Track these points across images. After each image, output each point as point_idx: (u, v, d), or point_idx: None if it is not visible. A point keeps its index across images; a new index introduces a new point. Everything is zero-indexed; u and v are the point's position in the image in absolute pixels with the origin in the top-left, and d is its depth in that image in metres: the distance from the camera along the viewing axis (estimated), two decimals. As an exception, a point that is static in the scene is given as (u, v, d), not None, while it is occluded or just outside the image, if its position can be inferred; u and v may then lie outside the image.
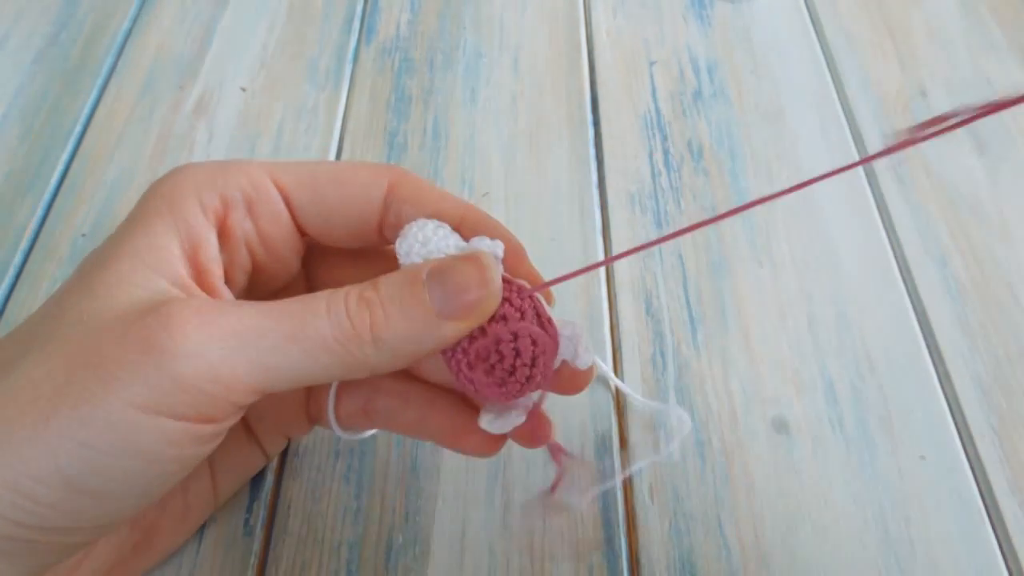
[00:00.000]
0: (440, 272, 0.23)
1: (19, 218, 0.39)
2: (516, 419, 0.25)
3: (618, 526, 0.31)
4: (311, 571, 0.30)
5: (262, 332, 0.21)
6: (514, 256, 0.25)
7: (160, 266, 0.23)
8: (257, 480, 0.32)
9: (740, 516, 0.31)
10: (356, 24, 0.49)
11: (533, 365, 0.23)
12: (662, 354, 0.36)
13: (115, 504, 0.21)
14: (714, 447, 0.33)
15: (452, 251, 0.24)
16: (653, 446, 0.33)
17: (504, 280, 0.24)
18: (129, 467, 0.21)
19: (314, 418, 0.30)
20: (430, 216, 0.25)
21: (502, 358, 0.23)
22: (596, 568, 0.30)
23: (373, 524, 0.31)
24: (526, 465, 0.32)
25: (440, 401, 0.28)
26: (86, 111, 0.44)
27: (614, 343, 0.36)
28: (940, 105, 0.46)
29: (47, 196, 0.40)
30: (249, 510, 0.31)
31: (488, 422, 0.25)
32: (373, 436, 0.33)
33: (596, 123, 0.45)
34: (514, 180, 0.42)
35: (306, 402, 0.29)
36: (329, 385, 0.28)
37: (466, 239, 0.25)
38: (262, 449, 0.30)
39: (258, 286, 0.27)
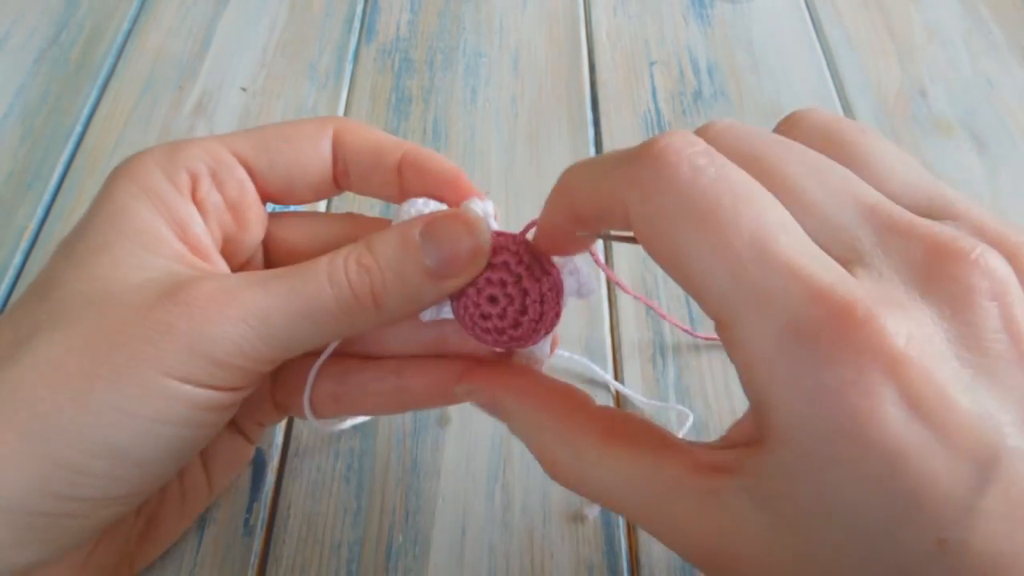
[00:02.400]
0: (432, 230, 0.24)
1: (19, 218, 0.39)
2: (541, 357, 0.26)
3: (618, 526, 0.31)
4: (311, 571, 0.30)
5: (273, 312, 0.22)
6: (454, 185, 0.26)
7: (157, 247, 0.23)
8: (257, 480, 0.32)
9: (740, 516, 0.31)
10: (356, 24, 0.49)
11: (543, 302, 0.24)
12: (662, 354, 0.36)
13: (153, 470, 0.23)
14: (714, 447, 0.33)
15: None
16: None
17: (496, 233, 0.25)
18: (166, 433, 0.22)
19: (282, 407, 0.30)
20: (372, 153, 0.27)
21: (512, 300, 0.24)
22: (596, 568, 0.30)
23: (373, 524, 0.31)
24: (526, 465, 0.32)
25: (413, 364, 0.28)
26: (86, 111, 0.44)
27: (614, 343, 0.36)
28: (940, 105, 0.46)
29: (47, 196, 0.40)
30: (249, 510, 0.31)
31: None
32: (373, 437, 0.33)
33: (596, 123, 0.45)
34: (514, 180, 0.42)
35: (271, 393, 0.30)
36: (303, 375, 0.28)
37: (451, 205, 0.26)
38: (245, 437, 0.30)
39: (226, 258, 0.27)
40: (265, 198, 0.27)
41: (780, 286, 0.16)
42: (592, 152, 0.43)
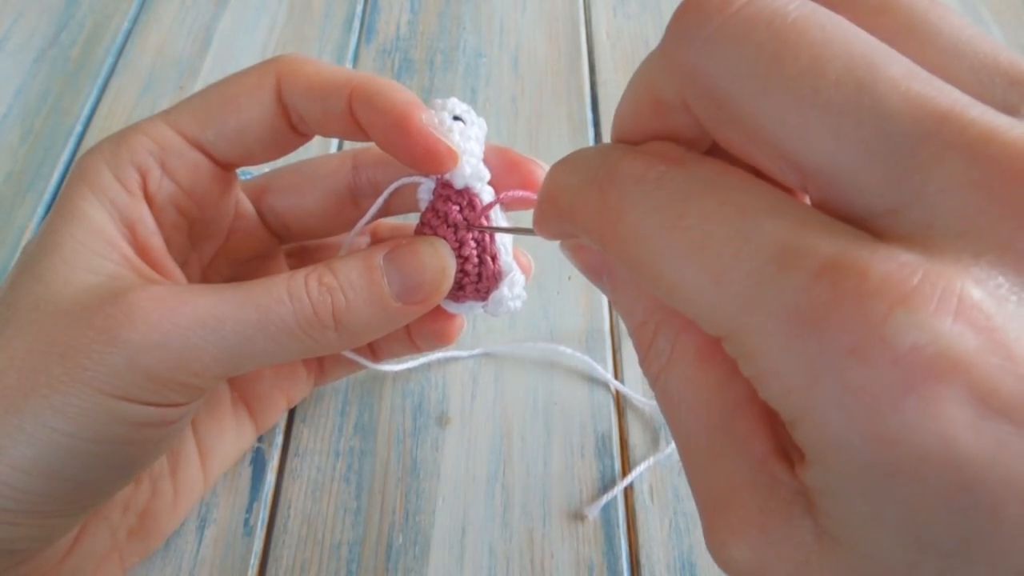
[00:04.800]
0: (395, 257, 0.24)
1: (19, 218, 0.39)
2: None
3: (618, 526, 0.31)
4: (311, 571, 0.30)
5: (226, 320, 0.21)
6: (406, 124, 0.23)
7: (104, 249, 0.23)
8: (257, 480, 0.32)
9: (740, 516, 0.31)
10: (356, 24, 0.49)
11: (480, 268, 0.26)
12: (662, 354, 0.36)
13: (91, 487, 0.22)
14: (714, 447, 0.33)
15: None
16: (653, 445, 0.33)
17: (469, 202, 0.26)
18: (104, 452, 0.21)
19: (316, 364, 0.31)
20: (320, 96, 0.24)
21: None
22: (596, 568, 0.30)
23: (373, 524, 0.31)
24: (526, 465, 0.32)
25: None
26: (86, 111, 0.44)
27: (614, 343, 0.36)
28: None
29: (47, 196, 0.40)
30: (249, 510, 0.31)
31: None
32: (374, 437, 0.33)
33: (596, 123, 0.45)
34: (514, 180, 0.42)
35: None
36: None
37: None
38: (253, 423, 0.30)
39: (201, 238, 0.27)
40: (225, 168, 0.26)
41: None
42: (592, 152, 0.43)
